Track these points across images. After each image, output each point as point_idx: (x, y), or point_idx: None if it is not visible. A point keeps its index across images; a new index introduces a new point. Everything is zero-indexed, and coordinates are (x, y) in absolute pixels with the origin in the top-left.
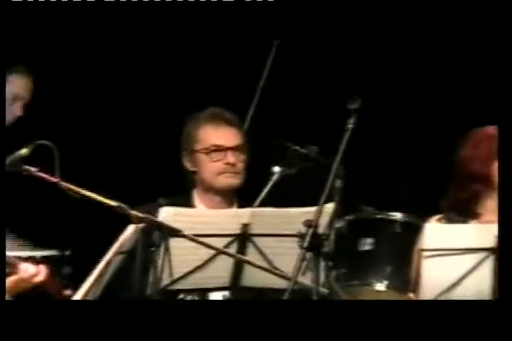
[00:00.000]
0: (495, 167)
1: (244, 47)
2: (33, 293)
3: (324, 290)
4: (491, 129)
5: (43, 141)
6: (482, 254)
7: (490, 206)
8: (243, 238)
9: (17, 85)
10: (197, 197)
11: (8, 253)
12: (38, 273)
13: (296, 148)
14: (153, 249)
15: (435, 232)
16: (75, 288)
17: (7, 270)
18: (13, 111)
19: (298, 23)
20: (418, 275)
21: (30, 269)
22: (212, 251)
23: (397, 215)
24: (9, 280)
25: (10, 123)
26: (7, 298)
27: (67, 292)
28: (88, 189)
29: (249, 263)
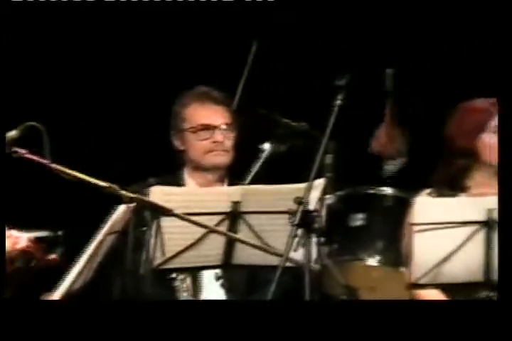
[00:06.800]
0: (481, 140)
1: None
2: (22, 261)
3: (316, 267)
4: (476, 103)
5: (32, 123)
6: (473, 228)
7: (478, 179)
8: (234, 216)
9: None
10: (187, 176)
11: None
12: (18, 239)
13: (288, 121)
14: (144, 228)
15: (425, 206)
16: (67, 267)
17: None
18: None
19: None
20: (409, 250)
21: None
22: (204, 230)
23: (388, 190)
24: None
25: None
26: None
27: (53, 256)
28: (78, 170)
29: (240, 240)
